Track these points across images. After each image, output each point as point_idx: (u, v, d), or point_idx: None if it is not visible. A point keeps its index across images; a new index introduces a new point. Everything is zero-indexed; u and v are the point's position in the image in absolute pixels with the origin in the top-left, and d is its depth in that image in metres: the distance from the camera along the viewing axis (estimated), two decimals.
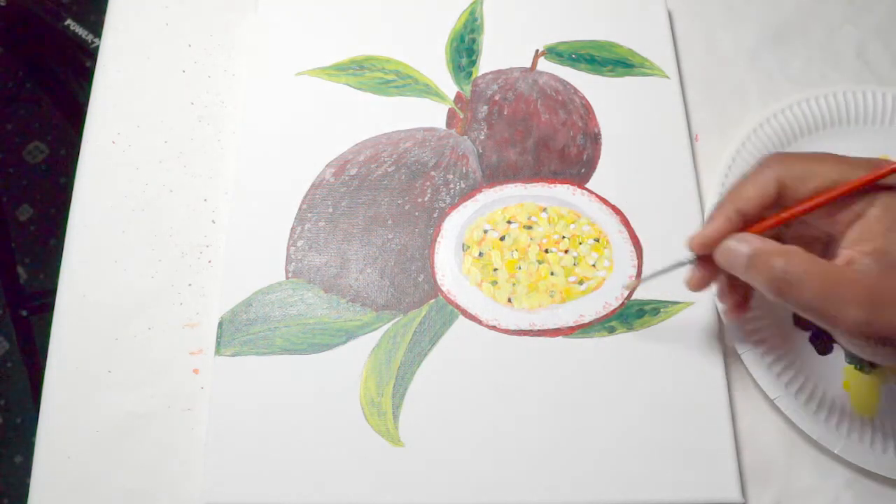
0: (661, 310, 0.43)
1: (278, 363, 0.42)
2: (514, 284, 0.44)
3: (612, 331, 0.43)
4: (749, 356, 0.42)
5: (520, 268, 0.44)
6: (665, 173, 0.47)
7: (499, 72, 0.50)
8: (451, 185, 0.46)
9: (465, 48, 0.50)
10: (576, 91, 0.49)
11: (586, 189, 0.46)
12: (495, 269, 0.44)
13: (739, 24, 0.53)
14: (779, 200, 0.35)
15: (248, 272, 0.44)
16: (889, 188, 0.33)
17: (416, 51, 0.50)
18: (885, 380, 0.42)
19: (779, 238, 0.35)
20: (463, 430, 0.40)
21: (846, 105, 0.48)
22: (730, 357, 0.43)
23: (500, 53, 0.50)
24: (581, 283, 0.44)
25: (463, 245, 0.45)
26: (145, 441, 0.41)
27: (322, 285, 0.44)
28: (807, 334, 0.43)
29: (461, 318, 0.43)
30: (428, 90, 0.49)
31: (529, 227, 0.45)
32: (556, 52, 0.50)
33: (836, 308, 0.32)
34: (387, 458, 0.40)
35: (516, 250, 0.45)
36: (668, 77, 0.49)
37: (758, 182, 0.35)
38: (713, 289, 0.43)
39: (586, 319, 0.43)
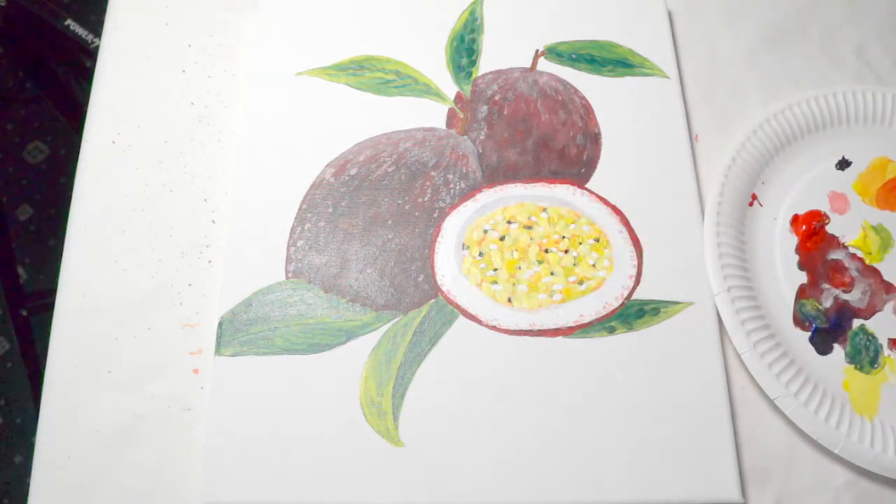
0: (661, 310, 0.43)
1: (278, 363, 0.42)
2: (514, 284, 0.44)
3: (612, 331, 0.43)
4: (749, 356, 0.42)
5: (520, 268, 0.44)
6: (665, 173, 0.47)
7: (499, 72, 0.50)
8: (451, 185, 0.46)
9: (465, 48, 0.50)
10: (576, 91, 0.49)
11: (586, 189, 0.46)
12: (495, 269, 0.44)
13: (739, 24, 0.53)
14: None
15: (248, 272, 0.44)
16: None
17: (416, 51, 0.50)
18: (885, 380, 0.42)
19: None
20: (463, 430, 0.40)
21: (846, 105, 0.48)
22: (730, 357, 0.43)
23: (500, 53, 0.50)
24: (581, 283, 0.44)
25: (463, 245, 0.45)
26: (145, 441, 0.41)
27: (322, 285, 0.44)
28: (807, 334, 0.43)
29: (461, 318, 0.43)
30: (428, 90, 0.49)
31: (529, 227, 0.45)
32: (556, 52, 0.50)
33: None
34: (387, 458, 0.40)
35: (516, 250, 0.45)
36: (668, 77, 0.49)
37: None
38: (714, 288, 0.43)
39: (586, 319, 0.43)
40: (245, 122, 0.48)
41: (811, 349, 0.43)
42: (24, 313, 1.05)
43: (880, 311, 0.44)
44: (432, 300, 0.44)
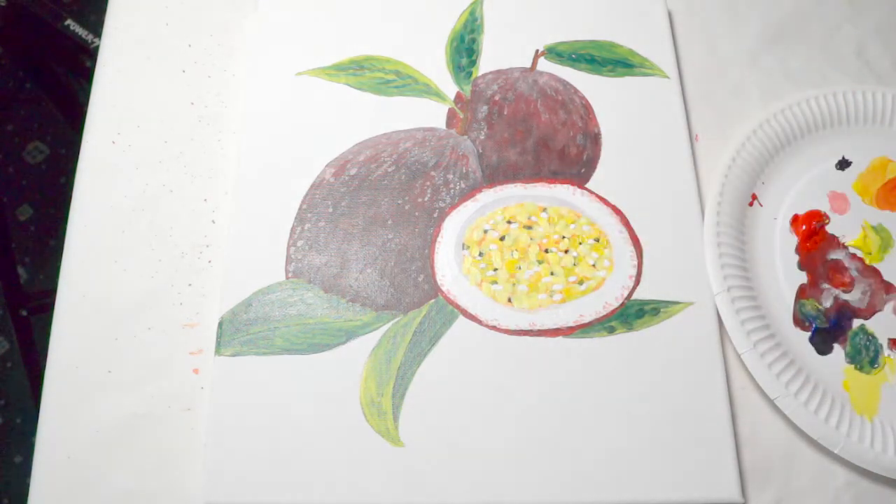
0: (661, 310, 0.43)
1: (278, 363, 0.42)
2: (514, 284, 0.44)
3: (612, 331, 0.43)
4: (749, 356, 0.42)
5: (520, 268, 0.44)
6: (665, 173, 0.47)
7: (499, 72, 0.50)
8: (451, 185, 0.46)
9: (465, 48, 0.50)
10: (576, 91, 0.49)
11: (586, 189, 0.46)
12: (495, 269, 0.44)
13: (739, 24, 0.53)
14: None
15: (248, 272, 0.44)
16: None
17: (416, 51, 0.50)
18: (885, 380, 0.42)
19: None
20: (463, 430, 0.40)
21: (846, 105, 0.48)
22: (730, 357, 0.43)
23: (500, 53, 0.50)
24: (581, 283, 0.44)
25: (463, 245, 0.45)
26: (145, 441, 0.41)
27: (322, 285, 0.44)
28: (807, 334, 0.43)
29: (461, 318, 0.43)
30: (428, 90, 0.49)
31: (529, 227, 0.45)
32: (556, 52, 0.50)
33: None
34: (387, 458, 0.40)
35: (516, 250, 0.45)
36: (668, 77, 0.49)
37: None
38: (714, 288, 0.43)
39: (586, 319, 0.43)
40: (245, 122, 0.48)
41: (811, 349, 0.43)
42: (24, 313, 1.05)
43: (880, 311, 0.44)
44: (432, 300, 0.44)
